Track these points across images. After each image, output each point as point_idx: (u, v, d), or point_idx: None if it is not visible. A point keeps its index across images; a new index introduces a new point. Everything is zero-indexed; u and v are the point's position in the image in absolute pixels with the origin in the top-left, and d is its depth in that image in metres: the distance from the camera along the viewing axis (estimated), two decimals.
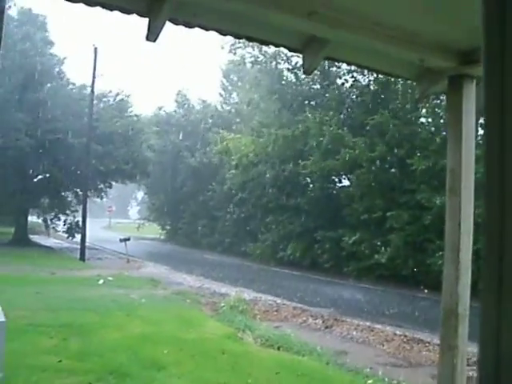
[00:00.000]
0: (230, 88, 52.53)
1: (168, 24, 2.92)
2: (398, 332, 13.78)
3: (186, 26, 3.00)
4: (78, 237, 31.66)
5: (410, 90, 24.41)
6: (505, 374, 0.90)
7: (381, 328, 14.24)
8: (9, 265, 22.46)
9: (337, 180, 31.06)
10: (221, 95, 52.65)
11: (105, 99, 37.30)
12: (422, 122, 26.74)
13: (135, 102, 47.63)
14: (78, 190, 35.36)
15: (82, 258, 28.62)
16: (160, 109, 49.28)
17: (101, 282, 19.29)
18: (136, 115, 40.05)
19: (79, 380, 7.82)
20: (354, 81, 29.20)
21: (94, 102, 31.23)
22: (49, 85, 32.85)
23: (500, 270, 0.93)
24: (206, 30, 3.03)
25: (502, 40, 0.95)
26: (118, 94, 37.99)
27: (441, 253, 15.12)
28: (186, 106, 48.52)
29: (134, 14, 2.86)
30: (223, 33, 3.16)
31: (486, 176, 0.95)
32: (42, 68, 31.66)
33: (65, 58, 35.28)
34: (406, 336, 13.40)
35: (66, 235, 37.34)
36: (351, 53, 3.43)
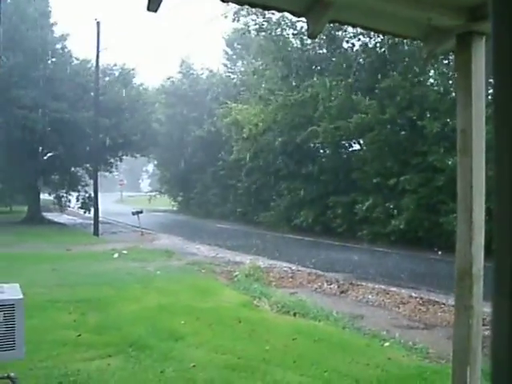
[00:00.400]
0: (234, 57, 52.16)
1: None
2: (413, 294, 13.82)
3: None
4: (91, 212, 31.83)
5: (417, 51, 24.15)
6: None
7: (396, 291, 14.28)
8: (24, 243, 22.68)
9: (347, 145, 30.94)
10: (225, 65, 52.30)
11: (110, 72, 37.07)
12: (432, 83, 26.48)
13: (140, 74, 47.47)
14: (88, 165, 35.43)
15: (96, 232, 28.80)
16: (167, 79, 49.01)
17: (116, 255, 19.43)
18: (143, 87, 39.96)
19: (99, 353, 7.91)
20: (360, 44, 28.90)
21: (100, 75, 31.08)
22: (52, 60, 32.59)
23: None
24: None
25: None
26: (122, 67, 37.75)
27: (454, 214, 15.13)
28: (191, 76, 48.22)
29: None
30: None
31: (497, 136, 0.92)
32: (44, 43, 31.42)
33: (68, 35, 34.92)
34: (421, 298, 13.43)
35: (80, 211, 37.52)
36: (356, 15, 3.38)
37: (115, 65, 37.54)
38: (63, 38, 34.71)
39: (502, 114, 0.94)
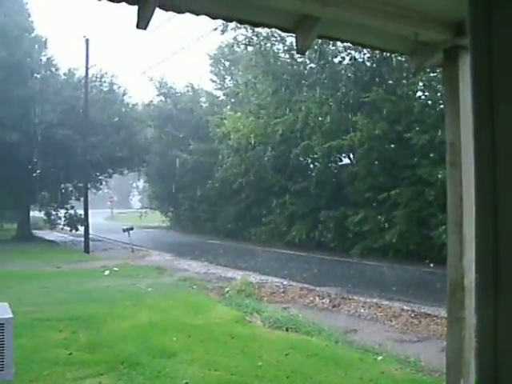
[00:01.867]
0: (223, 73, 52.17)
1: (158, 11, 2.89)
2: (405, 307, 13.81)
3: (175, 12, 2.98)
4: (81, 229, 31.70)
5: (405, 65, 24.30)
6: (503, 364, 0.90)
7: (388, 304, 14.27)
8: (14, 261, 22.54)
9: (337, 159, 31.00)
10: (212, 81, 52.33)
11: (97, 88, 37.00)
12: (419, 96, 26.63)
13: (129, 90, 47.34)
14: (78, 181, 35.32)
15: (87, 250, 28.67)
16: (156, 96, 49.02)
17: (106, 272, 19.33)
18: (131, 103, 39.96)
19: (91, 371, 7.85)
20: (350, 58, 29.03)
21: (89, 91, 31.05)
22: (38, 75, 32.36)
23: (495, 268, 0.91)
24: (196, 14, 3.01)
25: (487, 12, 0.93)
26: (111, 82, 37.70)
27: (444, 227, 15.16)
28: (176, 94, 48.16)
29: (123, 3, 2.84)
30: (213, 16, 3.13)
31: (477, 149, 0.94)
32: (30, 59, 31.19)
33: (51, 56, 34.67)
34: (413, 311, 13.43)
35: (68, 228, 37.35)
36: (344, 30, 3.40)
37: (104, 81, 37.50)
38: (50, 56, 34.60)
39: (479, 125, 0.95)
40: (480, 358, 0.95)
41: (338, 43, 26.76)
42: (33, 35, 33.57)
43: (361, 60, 28.47)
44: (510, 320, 0.90)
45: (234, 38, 33.96)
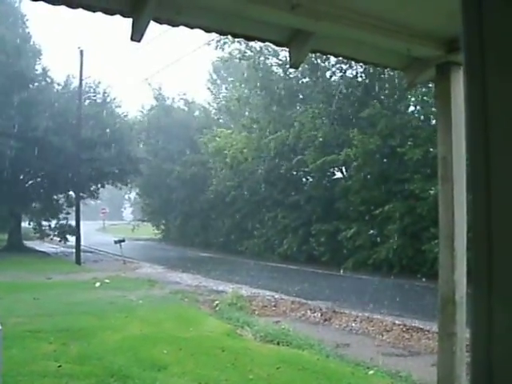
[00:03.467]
0: (217, 86, 52.41)
1: (152, 23, 2.91)
2: (397, 322, 13.80)
3: (170, 25, 2.99)
4: (73, 240, 31.57)
5: (397, 80, 24.44)
6: (497, 375, 0.90)
7: (380, 318, 14.26)
8: (4, 271, 22.38)
9: (330, 173, 31.04)
10: (210, 91, 52.54)
11: (91, 100, 36.98)
12: (412, 111, 26.77)
13: (123, 102, 47.22)
14: (70, 192, 35.22)
15: (78, 261, 28.54)
16: (150, 109, 49.02)
17: (97, 284, 19.25)
18: (124, 114, 39.91)
19: None
20: (342, 73, 29.18)
21: (82, 102, 31.04)
22: (32, 85, 32.31)
23: (489, 273, 0.92)
24: (190, 27, 3.02)
25: (480, 28, 0.94)
26: (104, 94, 37.68)
27: (436, 241, 15.18)
28: (169, 106, 48.25)
29: (118, 15, 2.85)
30: (207, 30, 3.14)
31: (471, 164, 0.94)
32: (25, 69, 31.14)
33: (46, 66, 34.63)
34: (405, 325, 13.42)
35: (58, 239, 37.17)
36: (337, 45, 3.43)
37: (98, 92, 37.49)
38: (45, 66, 34.57)
39: (475, 141, 0.96)
40: (474, 371, 0.96)
41: (331, 58, 26.93)
42: (29, 45, 33.52)
43: (353, 75, 28.62)
44: (505, 333, 0.91)
45: (229, 53, 34.01)
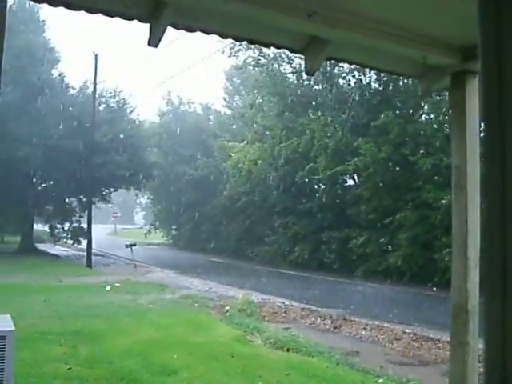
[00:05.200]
0: (231, 93, 52.53)
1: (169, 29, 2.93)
2: (407, 330, 13.74)
3: (187, 31, 3.01)
4: (84, 243, 31.72)
5: (411, 88, 24.38)
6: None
7: (390, 327, 14.20)
8: (16, 274, 22.50)
9: (341, 181, 31.01)
10: (224, 99, 52.71)
11: (106, 104, 37.18)
12: (426, 119, 26.72)
13: (137, 107, 47.50)
14: (82, 196, 35.37)
15: (89, 264, 28.66)
16: (162, 115, 49.23)
17: (108, 288, 19.30)
18: (139, 120, 40.05)
19: None
20: (356, 81, 29.18)
21: (96, 107, 31.22)
22: (48, 91, 32.54)
23: (503, 273, 0.92)
24: (207, 33, 3.04)
25: (498, 39, 0.95)
26: (118, 99, 37.83)
27: (448, 250, 15.10)
28: (184, 112, 48.44)
29: (135, 20, 2.88)
30: (224, 36, 3.16)
31: (487, 173, 0.95)
32: (42, 74, 31.41)
33: (63, 72, 34.90)
34: (415, 334, 13.36)
35: (71, 242, 37.34)
36: (353, 52, 3.44)
37: (113, 97, 37.64)
38: (62, 72, 34.85)
39: (491, 150, 0.97)
40: (488, 381, 0.96)
41: (344, 65, 26.92)
42: (48, 52, 33.73)
43: (367, 82, 28.61)
44: None
45: (244, 61, 34.00)
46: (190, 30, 3.00)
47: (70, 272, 24.96)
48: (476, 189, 3.27)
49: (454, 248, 3.40)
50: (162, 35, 2.90)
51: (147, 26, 2.89)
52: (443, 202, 20.75)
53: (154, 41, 2.93)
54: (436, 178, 22.84)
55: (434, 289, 20.34)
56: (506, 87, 0.94)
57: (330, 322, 15.20)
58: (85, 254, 29.98)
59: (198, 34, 3.07)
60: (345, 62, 4.00)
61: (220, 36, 3.13)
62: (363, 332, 14.05)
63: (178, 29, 2.96)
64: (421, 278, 22.94)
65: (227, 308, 16.24)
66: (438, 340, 12.53)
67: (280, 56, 31.59)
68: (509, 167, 0.93)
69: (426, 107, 26.09)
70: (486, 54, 0.98)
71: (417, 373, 10.26)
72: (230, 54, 33.47)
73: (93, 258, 29.37)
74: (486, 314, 0.96)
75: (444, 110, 23.36)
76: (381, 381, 9.32)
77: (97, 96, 31.47)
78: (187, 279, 24.04)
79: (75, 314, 13.65)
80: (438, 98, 23.18)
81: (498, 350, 0.93)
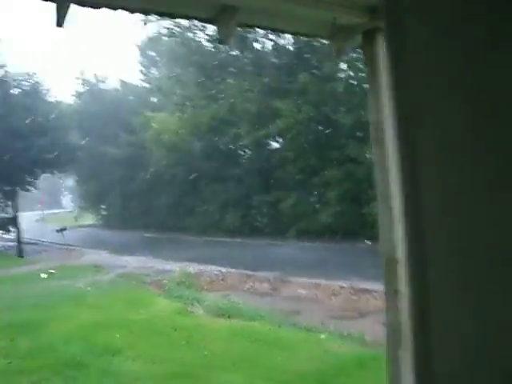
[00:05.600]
0: (147, 66, 51.56)
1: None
2: (344, 285, 14.07)
3: (93, 8, 2.94)
4: (13, 233, 30.94)
5: (328, 48, 24.55)
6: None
7: (327, 283, 14.51)
8: None
9: (265, 144, 31.12)
10: (142, 72, 51.67)
11: (20, 88, 35.88)
12: (344, 77, 26.99)
13: (54, 91, 46.24)
14: (6, 185, 34.29)
15: (20, 254, 28.02)
16: (79, 94, 48.02)
17: (43, 275, 18.94)
18: (57, 101, 38.95)
19: (34, 379, 7.70)
20: (272, 44, 29.17)
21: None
22: None
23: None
24: (114, 9, 2.97)
25: None
26: (33, 82, 36.53)
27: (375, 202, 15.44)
28: (101, 90, 47.41)
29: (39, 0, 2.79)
30: (131, 10, 3.10)
31: (397, 130, 0.99)
32: None
33: None
34: (352, 288, 13.70)
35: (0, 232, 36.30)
36: (263, 17, 3.43)
37: (28, 81, 36.34)
38: None
39: (399, 103, 1.01)
40: (414, 327, 1.01)
41: (260, 30, 26.79)
42: None
43: (282, 45, 28.63)
44: (440, 290, 0.95)
45: (158, 32, 33.40)
46: (95, 6, 2.93)
47: (1, 264, 24.31)
48: (394, 142, 3.35)
49: (379, 200, 3.48)
50: (66, 13, 2.83)
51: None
52: (366, 156, 21.14)
53: (61, 21, 2.85)
54: (358, 133, 23.23)
55: (368, 242, 20.75)
56: (408, 43, 0.97)
57: (267, 285, 15.42)
58: (14, 243, 29.26)
59: (105, 10, 3.01)
60: (256, 27, 3.98)
61: (127, 10, 3.06)
62: (302, 291, 14.31)
63: (83, 6, 2.89)
64: (353, 233, 23.41)
65: (165, 282, 16.24)
66: (375, 291, 12.85)
67: (194, 25, 31.19)
68: (416, 119, 0.97)
69: (343, 65, 26.33)
70: (389, 11, 1.01)
71: (357, 324, 10.57)
72: (144, 23, 32.75)
73: (24, 246, 28.75)
74: (409, 262, 1.00)
75: (361, 66, 23.65)
76: (323, 336, 9.55)
77: (7, 79, 30.35)
78: (122, 258, 23.82)
79: (10, 306, 13.32)
80: (354, 55, 23.43)
81: (420, 294, 0.98)
